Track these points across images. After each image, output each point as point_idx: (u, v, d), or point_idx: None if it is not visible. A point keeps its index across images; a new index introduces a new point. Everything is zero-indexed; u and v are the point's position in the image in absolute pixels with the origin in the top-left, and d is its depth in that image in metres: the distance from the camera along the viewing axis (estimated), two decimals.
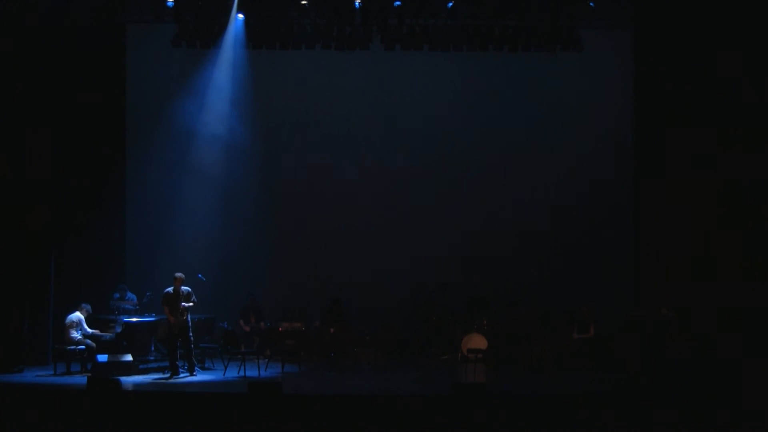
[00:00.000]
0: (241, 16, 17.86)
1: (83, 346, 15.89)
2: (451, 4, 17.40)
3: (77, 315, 16.06)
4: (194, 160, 19.05)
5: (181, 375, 15.57)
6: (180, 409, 12.71)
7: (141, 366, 15.88)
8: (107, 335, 16.16)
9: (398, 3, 17.34)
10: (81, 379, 14.72)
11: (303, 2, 17.45)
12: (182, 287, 15.62)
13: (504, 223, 19.18)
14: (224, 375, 15.95)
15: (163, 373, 15.81)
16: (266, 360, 16.65)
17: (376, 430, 12.23)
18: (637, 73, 18.69)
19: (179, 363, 15.61)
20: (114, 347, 15.88)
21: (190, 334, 15.62)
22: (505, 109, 19.33)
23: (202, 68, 18.78)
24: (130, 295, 17.39)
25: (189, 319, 15.63)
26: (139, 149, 18.87)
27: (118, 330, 16.08)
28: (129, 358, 15.75)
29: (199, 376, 15.73)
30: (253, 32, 18.01)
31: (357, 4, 17.26)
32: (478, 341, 16.99)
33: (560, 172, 19.24)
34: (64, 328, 16.02)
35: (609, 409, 12.57)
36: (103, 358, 15.58)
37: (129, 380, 14.96)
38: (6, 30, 16.49)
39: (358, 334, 17.24)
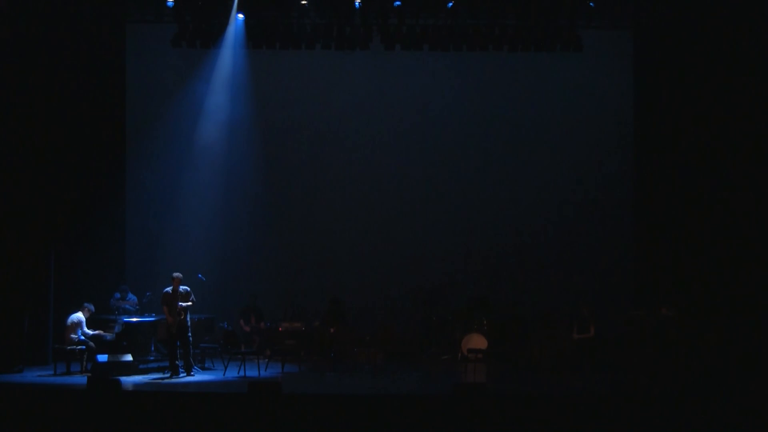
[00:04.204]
0: (241, 16, 17.87)
1: (83, 346, 15.90)
2: (451, 4, 17.40)
3: (78, 315, 16.05)
4: (194, 160, 19.05)
5: (181, 375, 15.58)
6: (180, 409, 12.71)
7: (141, 366, 15.88)
8: (108, 335, 16.16)
9: (398, 3, 17.35)
10: (81, 379, 14.71)
11: (303, 2, 17.47)
12: (181, 287, 15.63)
13: (504, 223, 19.18)
14: (224, 375, 15.94)
15: (163, 373, 15.81)
16: (266, 360, 16.64)
17: (376, 430, 12.23)
18: (637, 73, 18.71)
19: (178, 363, 15.61)
20: (114, 347, 15.88)
21: (189, 334, 15.61)
22: (505, 109, 19.32)
23: (202, 68, 18.79)
24: (130, 295, 17.40)
25: (188, 319, 15.63)
26: (139, 149, 18.88)
27: (118, 330, 16.08)
28: (129, 358, 15.74)
29: (199, 376, 15.72)
30: (253, 32, 18.02)
31: (357, 4, 17.27)
32: (478, 341, 16.98)
33: (560, 171, 19.23)
34: (65, 329, 16.02)
35: (609, 409, 12.57)
36: (103, 358, 15.57)
37: (129, 380, 14.95)
38: (6, 30, 16.48)
39: (358, 334, 17.23)
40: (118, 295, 17.30)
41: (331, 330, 17.16)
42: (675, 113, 17.70)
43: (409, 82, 19.24)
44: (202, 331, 16.82)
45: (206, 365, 16.64)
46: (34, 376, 15.68)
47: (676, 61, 17.62)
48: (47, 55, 16.90)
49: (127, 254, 18.63)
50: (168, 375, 15.64)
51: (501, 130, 19.34)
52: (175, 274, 15.71)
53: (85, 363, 15.92)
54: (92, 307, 16.23)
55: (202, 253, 18.52)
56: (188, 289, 15.72)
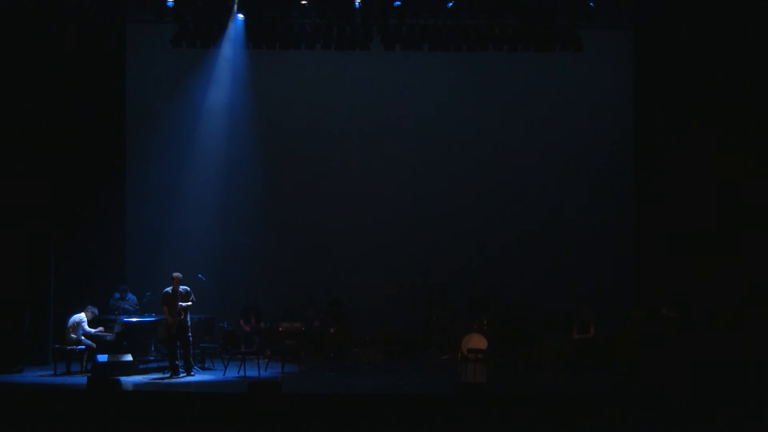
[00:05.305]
0: (241, 16, 17.87)
1: (83, 346, 15.90)
2: (451, 4, 17.40)
3: (81, 316, 16.05)
4: (194, 160, 19.05)
5: (181, 375, 15.58)
6: (180, 409, 12.71)
7: (141, 366, 15.89)
8: (108, 335, 16.16)
9: (398, 3, 17.35)
10: (81, 379, 14.73)
11: (303, 2, 17.46)
12: (181, 287, 15.63)
13: (504, 223, 19.18)
14: (224, 375, 15.95)
15: (163, 373, 15.82)
16: (266, 360, 16.65)
17: (376, 430, 12.23)
18: (637, 73, 18.70)
19: (178, 363, 15.62)
20: (114, 347, 15.89)
21: (189, 334, 15.62)
22: (505, 109, 19.32)
23: (202, 68, 18.78)
24: (130, 296, 17.40)
25: (188, 319, 15.63)
26: (139, 149, 18.88)
27: (118, 330, 16.08)
28: (129, 358, 15.75)
29: (199, 376, 15.73)
30: (253, 32, 18.01)
31: (357, 4, 17.27)
32: (478, 341, 16.98)
33: (560, 172, 19.24)
34: (66, 329, 16.02)
35: (609, 409, 12.57)
36: (103, 358, 15.58)
37: (129, 380, 14.96)
38: (6, 30, 16.49)
39: (358, 334, 17.23)
40: (117, 295, 17.30)
41: (331, 330, 17.16)
42: (675, 113, 17.68)
43: (409, 82, 19.22)
44: (202, 331, 16.82)
45: (206, 365, 16.64)
46: (34, 376, 15.69)
47: (676, 61, 17.61)
48: (47, 54, 16.90)
49: (127, 254, 18.61)
50: (168, 375, 15.65)
51: (501, 130, 19.33)
52: (175, 274, 15.71)
53: (85, 363, 15.93)
54: (96, 310, 16.23)
55: (202, 253, 18.53)
56: (188, 289, 15.73)
